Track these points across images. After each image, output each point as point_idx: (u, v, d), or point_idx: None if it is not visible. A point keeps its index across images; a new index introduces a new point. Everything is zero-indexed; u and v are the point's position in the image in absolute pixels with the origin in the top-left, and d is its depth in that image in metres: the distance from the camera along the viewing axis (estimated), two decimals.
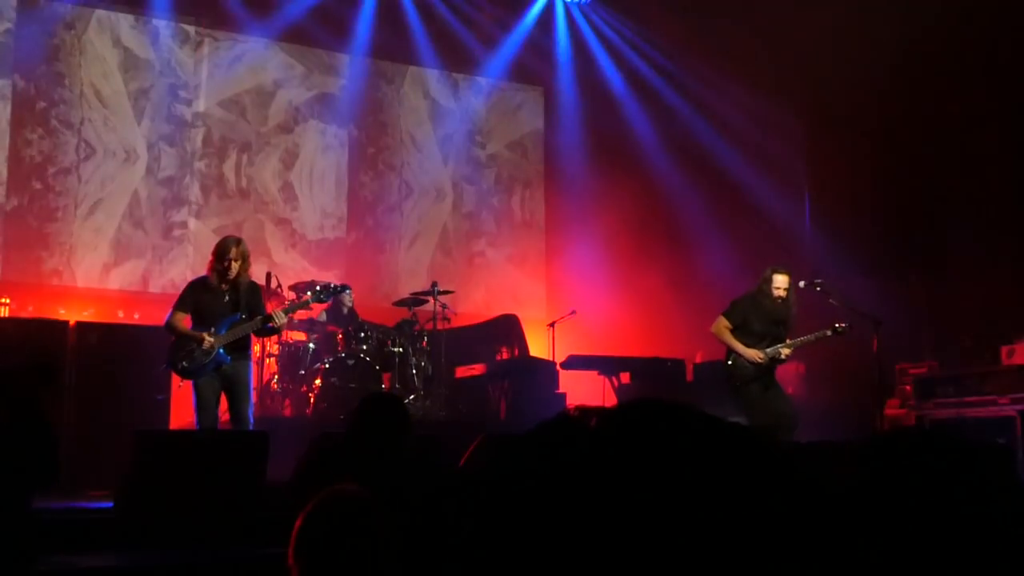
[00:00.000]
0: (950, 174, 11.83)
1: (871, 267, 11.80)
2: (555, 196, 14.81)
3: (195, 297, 7.69)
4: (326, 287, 8.67)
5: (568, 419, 0.93)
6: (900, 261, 11.89)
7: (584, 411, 0.95)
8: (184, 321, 7.61)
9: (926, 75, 11.66)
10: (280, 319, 7.68)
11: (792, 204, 13.64)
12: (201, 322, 7.58)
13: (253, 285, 7.87)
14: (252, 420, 7.67)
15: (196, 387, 7.50)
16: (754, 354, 8.23)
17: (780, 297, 8.31)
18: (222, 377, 7.52)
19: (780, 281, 8.32)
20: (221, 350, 7.46)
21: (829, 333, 8.44)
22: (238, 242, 7.76)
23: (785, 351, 8.33)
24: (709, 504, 0.84)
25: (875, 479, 1.38)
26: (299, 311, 10.63)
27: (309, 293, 8.56)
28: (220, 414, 7.66)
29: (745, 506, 0.85)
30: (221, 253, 7.64)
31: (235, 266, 7.57)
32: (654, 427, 0.89)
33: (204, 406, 7.47)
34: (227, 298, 7.63)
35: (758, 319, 8.34)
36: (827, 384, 11.55)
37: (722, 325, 8.40)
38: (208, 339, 7.45)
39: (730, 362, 8.35)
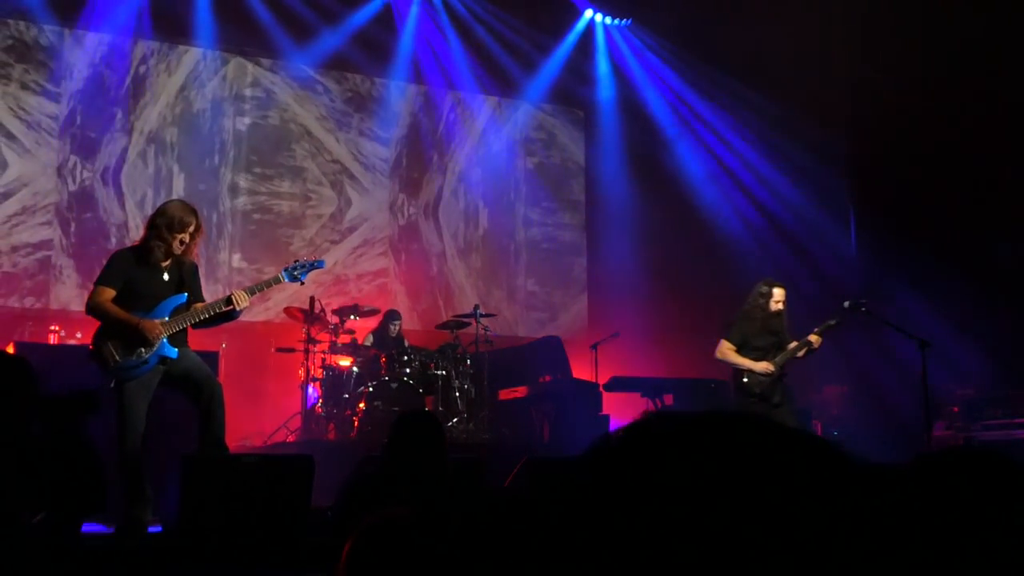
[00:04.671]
0: (999, 193, 11.69)
1: (917, 288, 11.66)
2: (596, 217, 14.82)
3: (128, 272, 6.20)
4: (304, 264, 6.81)
5: (651, 427, 0.86)
6: (947, 281, 11.74)
7: (662, 416, 0.88)
8: (111, 301, 6.15)
9: (974, 92, 11.54)
10: (243, 301, 6.27)
11: (837, 224, 13.53)
12: (131, 304, 6.15)
13: (195, 266, 6.51)
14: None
15: (124, 392, 6.03)
16: (764, 366, 8.20)
17: (779, 311, 8.30)
18: (168, 377, 6.23)
19: (779, 295, 8.30)
20: (165, 341, 6.14)
21: (823, 329, 8.42)
22: (197, 213, 6.35)
23: (800, 351, 8.27)
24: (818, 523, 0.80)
25: (920, 500, 1.36)
26: (342, 335, 10.78)
27: (284, 271, 6.70)
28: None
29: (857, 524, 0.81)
30: (175, 223, 6.17)
31: (189, 242, 6.24)
32: (754, 439, 0.84)
33: (133, 415, 6.03)
34: (167, 276, 6.27)
35: (757, 335, 8.32)
36: (873, 406, 11.42)
37: (726, 347, 8.36)
38: (159, 327, 6.07)
39: (745, 379, 8.29)
